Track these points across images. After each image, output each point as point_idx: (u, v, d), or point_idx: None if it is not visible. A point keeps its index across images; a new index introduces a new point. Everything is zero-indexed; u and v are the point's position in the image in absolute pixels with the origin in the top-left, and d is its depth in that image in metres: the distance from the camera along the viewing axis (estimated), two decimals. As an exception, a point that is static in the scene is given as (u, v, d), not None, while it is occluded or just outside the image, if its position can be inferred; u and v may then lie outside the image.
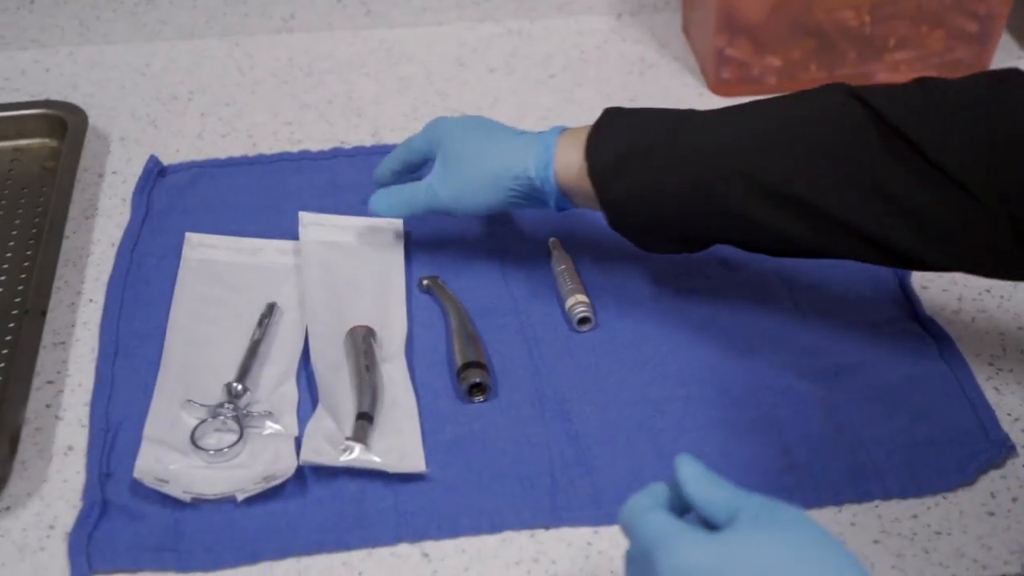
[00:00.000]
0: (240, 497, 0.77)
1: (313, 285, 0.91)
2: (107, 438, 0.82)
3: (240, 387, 0.83)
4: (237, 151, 1.07)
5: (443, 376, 0.86)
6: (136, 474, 0.77)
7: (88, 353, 0.88)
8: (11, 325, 0.90)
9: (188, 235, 0.97)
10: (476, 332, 0.88)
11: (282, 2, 1.19)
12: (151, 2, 1.18)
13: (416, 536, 0.76)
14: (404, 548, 0.75)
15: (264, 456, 0.80)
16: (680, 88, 1.16)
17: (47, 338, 0.88)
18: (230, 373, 0.84)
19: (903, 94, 0.76)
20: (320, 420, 0.81)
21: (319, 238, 0.95)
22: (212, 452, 0.80)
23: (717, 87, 1.14)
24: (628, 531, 0.60)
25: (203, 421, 0.82)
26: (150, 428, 0.81)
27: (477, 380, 0.84)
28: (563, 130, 0.86)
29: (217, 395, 0.83)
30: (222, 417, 0.82)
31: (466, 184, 0.88)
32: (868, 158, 0.75)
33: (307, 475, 0.79)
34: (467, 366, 0.85)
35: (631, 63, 1.19)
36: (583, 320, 0.90)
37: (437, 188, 0.89)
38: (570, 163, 0.84)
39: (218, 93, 1.14)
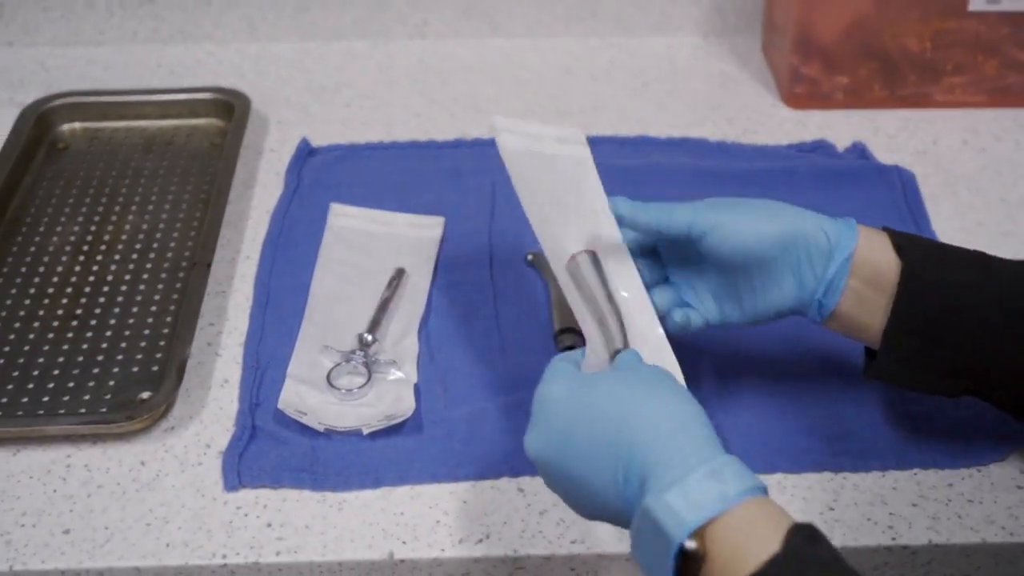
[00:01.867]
0: (366, 431, 0.77)
1: (529, 202, 0.72)
2: (257, 374, 0.82)
3: (370, 337, 0.83)
4: (375, 137, 1.07)
5: (543, 339, 0.85)
6: (280, 405, 0.78)
7: (244, 302, 0.89)
8: (181, 275, 0.91)
9: (333, 205, 0.96)
10: (572, 302, 0.87)
11: (418, 11, 1.19)
12: (307, 7, 1.18)
13: (514, 473, 0.75)
14: (504, 482, 0.75)
15: (388, 398, 0.80)
16: (757, 100, 1.13)
17: (210, 287, 0.89)
18: (362, 325, 0.84)
19: None
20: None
21: (519, 147, 0.73)
22: (344, 391, 0.80)
23: (790, 100, 1.11)
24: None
25: (337, 364, 0.82)
26: (293, 368, 0.82)
27: (572, 343, 0.83)
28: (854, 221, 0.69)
29: (351, 343, 0.83)
30: (354, 362, 0.82)
31: (746, 221, 0.68)
32: None
33: (423, 416, 0.79)
34: (563, 331, 0.84)
35: (714, 77, 1.17)
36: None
37: (700, 211, 0.68)
38: (871, 256, 0.66)
39: (361, 87, 1.14)
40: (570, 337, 0.84)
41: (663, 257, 0.73)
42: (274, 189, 1.00)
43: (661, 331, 0.70)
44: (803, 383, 0.82)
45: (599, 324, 0.68)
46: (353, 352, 0.82)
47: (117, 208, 0.99)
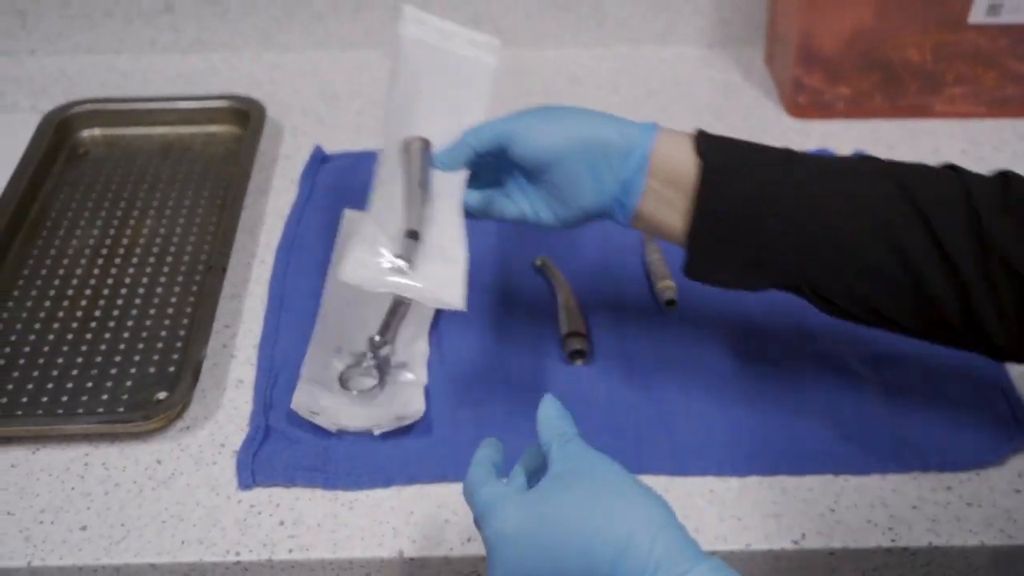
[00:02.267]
0: (376, 432, 0.77)
1: (399, 87, 0.75)
2: (271, 375, 0.82)
3: (381, 340, 0.82)
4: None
5: (550, 342, 0.85)
6: (293, 406, 0.78)
7: (258, 305, 0.89)
8: (197, 278, 0.91)
9: (347, 211, 0.96)
10: (579, 305, 0.87)
11: (429, 22, 1.19)
12: (320, 18, 1.18)
13: (521, 474, 0.75)
14: (511, 483, 0.75)
15: (398, 399, 0.80)
16: (760, 110, 1.13)
17: (226, 290, 0.89)
18: (374, 328, 0.83)
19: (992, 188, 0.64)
20: (367, 234, 0.68)
21: (419, 37, 0.77)
22: (356, 393, 0.80)
23: (793, 110, 1.11)
24: (468, 504, 0.59)
25: (349, 366, 0.82)
26: (306, 369, 0.81)
27: (578, 347, 0.83)
28: (657, 126, 0.70)
29: (362, 346, 0.83)
30: (365, 364, 0.82)
31: (540, 128, 0.69)
32: (989, 236, 0.62)
33: (432, 417, 0.79)
34: (570, 335, 0.84)
35: (718, 87, 1.16)
36: (670, 301, 0.88)
37: (509, 123, 0.69)
38: (670, 159, 0.67)
39: (372, 96, 1.14)
40: (577, 341, 0.83)
41: (500, 169, 0.73)
42: (288, 195, 1.00)
43: (462, 229, 0.70)
44: (804, 387, 0.81)
45: (404, 203, 0.69)
46: (365, 355, 0.82)
47: (135, 212, 0.99)
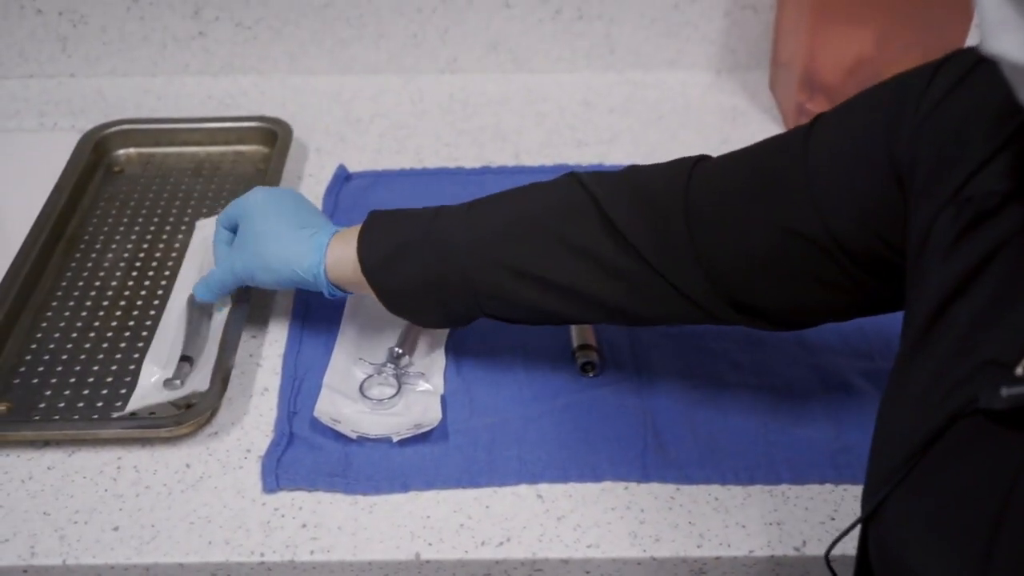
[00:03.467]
0: (395, 439, 0.77)
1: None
2: (295, 384, 0.82)
3: (400, 351, 0.83)
4: (407, 164, 1.08)
5: (562, 354, 0.85)
6: (315, 413, 0.78)
7: (283, 316, 0.89)
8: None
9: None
10: (590, 320, 0.87)
11: (448, 48, 1.19)
12: (345, 45, 1.19)
13: (533, 479, 0.75)
14: (523, 488, 0.75)
15: (416, 408, 0.80)
16: (765, 134, 1.11)
17: (253, 301, 0.89)
18: (393, 339, 0.84)
19: (615, 183, 0.72)
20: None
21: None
22: (375, 401, 0.80)
23: (796, 134, 1.11)
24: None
25: (369, 376, 0.82)
26: (328, 378, 0.82)
27: (589, 359, 0.83)
28: (335, 232, 0.79)
29: (382, 356, 0.83)
30: (385, 374, 0.82)
31: (255, 267, 0.80)
32: (592, 239, 0.70)
33: (448, 426, 0.79)
34: (582, 347, 0.84)
35: (725, 111, 1.17)
36: (677, 317, 0.88)
37: (235, 265, 0.81)
38: (342, 260, 0.77)
39: (394, 118, 1.15)
40: (587, 353, 0.83)
41: None
42: (313, 211, 1.01)
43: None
44: (806, 399, 0.81)
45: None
46: (384, 365, 0.82)
47: (168, 227, 1.00)
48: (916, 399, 0.52)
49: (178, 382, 0.81)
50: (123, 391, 0.82)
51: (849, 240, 0.61)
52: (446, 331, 0.87)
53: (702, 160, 0.71)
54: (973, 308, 0.50)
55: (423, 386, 0.82)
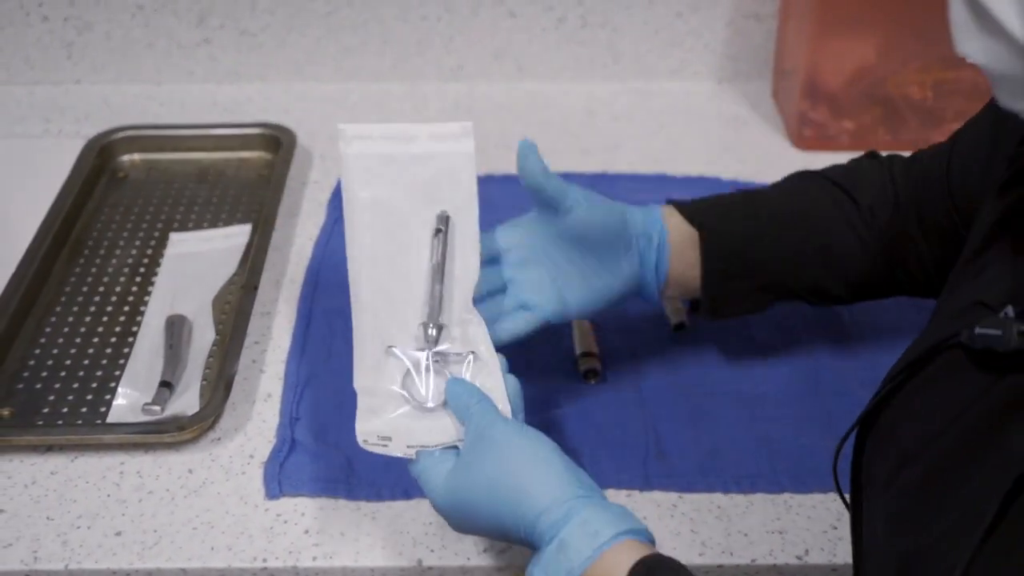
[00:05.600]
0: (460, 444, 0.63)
1: (358, 210, 0.68)
2: (297, 390, 0.82)
3: (435, 332, 0.66)
4: (410, 172, 1.08)
5: (564, 361, 0.85)
6: (360, 441, 0.65)
7: (286, 323, 0.89)
8: (229, 296, 0.92)
9: (341, 127, 0.69)
10: (592, 327, 0.87)
11: (452, 56, 1.20)
12: (349, 52, 1.19)
13: (536, 488, 0.75)
14: (526, 497, 0.75)
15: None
16: (767, 143, 1.13)
17: (256, 308, 0.90)
18: (419, 309, 0.67)
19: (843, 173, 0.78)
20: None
21: (366, 151, 0.69)
22: (421, 403, 0.65)
23: (798, 142, 1.11)
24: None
25: (408, 373, 0.66)
26: (359, 379, 0.66)
27: (591, 366, 0.83)
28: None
29: (414, 339, 0.67)
30: (425, 364, 0.66)
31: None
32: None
33: (452, 432, 0.79)
34: (584, 355, 0.84)
35: (728, 120, 1.17)
36: (679, 325, 0.88)
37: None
38: (679, 229, 0.75)
39: (398, 125, 1.15)
40: (590, 360, 0.83)
41: (507, 249, 0.74)
42: (317, 217, 1.01)
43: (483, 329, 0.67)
44: (809, 408, 0.81)
45: (427, 294, 0.67)
46: (421, 350, 0.67)
47: (172, 230, 1.00)
48: (935, 323, 0.57)
49: (157, 408, 0.79)
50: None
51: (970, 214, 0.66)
52: (473, 277, 0.69)
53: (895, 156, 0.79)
54: (992, 256, 0.53)
55: (475, 363, 0.66)
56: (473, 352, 0.67)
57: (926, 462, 0.50)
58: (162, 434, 0.77)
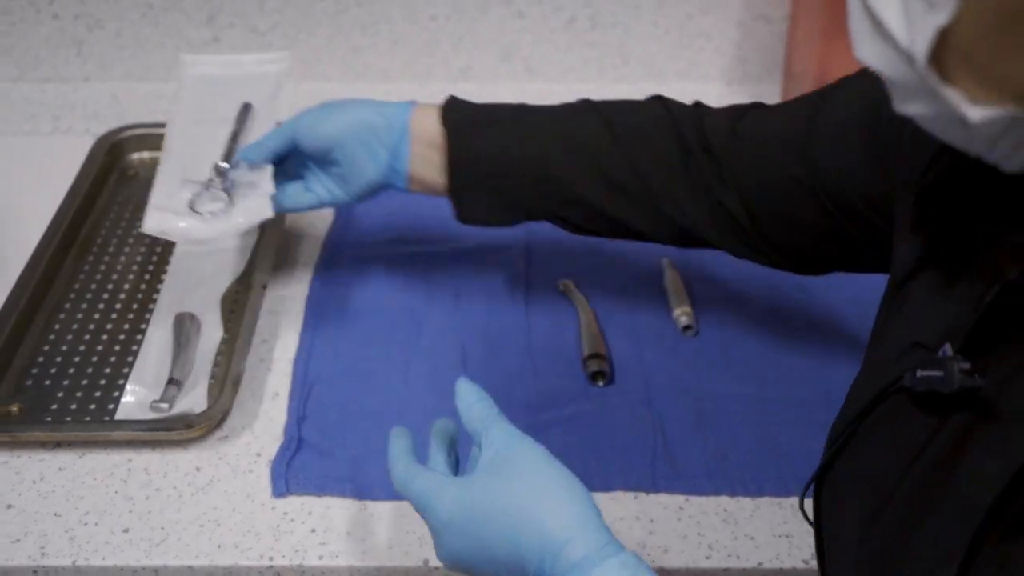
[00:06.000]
0: (233, 232, 0.82)
1: (184, 115, 0.92)
2: (304, 389, 0.83)
3: (226, 165, 0.84)
4: (419, 171, 1.08)
5: (572, 363, 0.85)
6: (143, 229, 0.81)
7: (294, 321, 0.90)
8: (238, 295, 0.92)
9: (184, 57, 0.97)
10: (600, 329, 0.87)
11: (461, 56, 1.20)
12: (358, 51, 1.19)
13: (543, 489, 0.75)
14: (532, 498, 0.75)
15: (251, 210, 0.82)
16: (777, 145, 1.13)
17: (265, 307, 0.90)
18: (218, 155, 0.85)
19: (688, 112, 0.75)
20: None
21: (201, 73, 0.96)
22: (208, 215, 0.82)
23: (808, 146, 1.11)
24: (404, 497, 0.60)
25: (198, 193, 0.83)
26: (155, 199, 0.83)
27: (599, 368, 0.83)
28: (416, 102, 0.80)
29: (208, 173, 0.84)
30: (213, 189, 0.83)
31: (322, 119, 0.80)
32: (667, 155, 0.73)
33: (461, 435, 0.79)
34: (592, 356, 0.84)
35: (737, 122, 1.17)
36: (686, 327, 0.88)
37: (299, 119, 0.82)
38: (425, 127, 0.77)
39: (407, 125, 1.15)
40: (597, 362, 0.84)
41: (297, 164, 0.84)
42: (326, 217, 1.01)
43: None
44: (815, 411, 0.81)
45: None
46: (211, 180, 0.84)
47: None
48: (872, 368, 0.56)
49: (165, 405, 0.80)
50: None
51: (844, 203, 0.65)
52: (272, 148, 0.84)
53: (756, 107, 0.74)
54: (919, 291, 0.52)
55: (252, 192, 0.83)
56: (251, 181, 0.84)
57: (885, 522, 0.49)
58: (170, 431, 0.77)
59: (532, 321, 0.89)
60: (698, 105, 0.76)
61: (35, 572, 0.71)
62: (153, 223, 0.81)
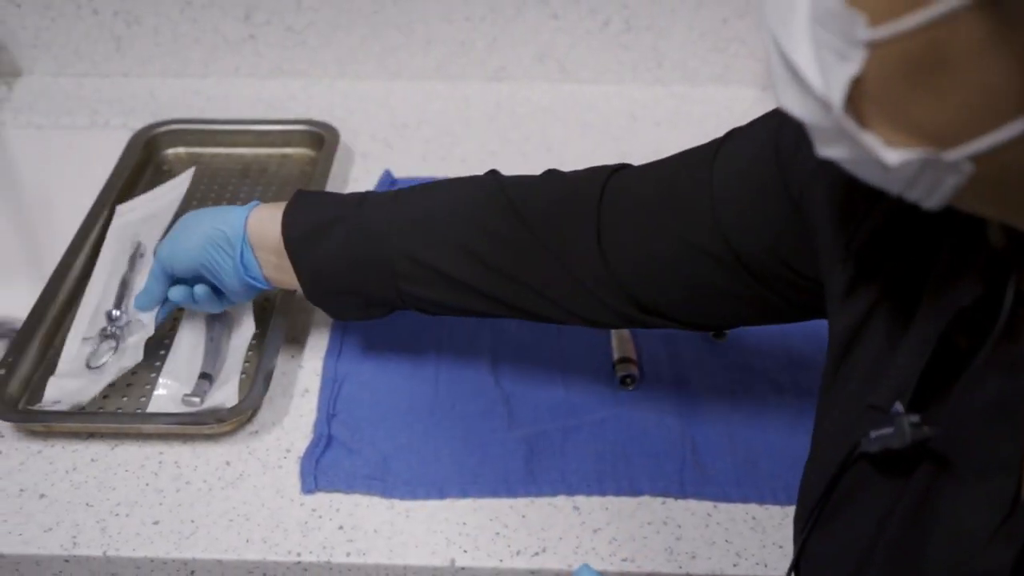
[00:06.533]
0: (99, 388, 0.81)
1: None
2: (334, 387, 0.83)
3: (116, 312, 0.87)
4: (451, 171, 1.08)
5: (602, 367, 0.85)
6: (40, 404, 0.80)
7: (325, 319, 0.90)
8: (271, 292, 0.92)
9: (117, 207, 0.99)
10: (631, 333, 0.87)
11: (495, 57, 1.20)
12: (393, 51, 1.20)
13: (571, 491, 0.75)
14: (560, 500, 0.75)
15: (126, 356, 0.83)
16: (811, 151, 1.12)
17: (296, 305, 0.90)
18: (109, 303, 0.88)
19: (535, 187, 0.72)
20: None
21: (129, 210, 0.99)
22: (99, 368, 0.83)
23: (843, 152, 1.10)
24: None
25: (95, 349, 0.85)
26: (59, 368, 0.84)
27: (629, 372, 0.83)
28: (258, 205, 0.78)
29: (102, 323, 0.87)
30: (107, 338, 0.85)
31: (177, 245, 0.79)
32: (502, 230, 0.71)
33: (487, 435, 0.79)
34: (622, 360, 0.84)
35: (771, 127, 1.16)
36: (718, 333, 0.88)
37: (160, 252, 0.80)
38: (264, 221, 0.76)
39: (440, 125, 1.15)
40: (627, 366, 0.83)
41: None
42: (357, 216, 1.02)
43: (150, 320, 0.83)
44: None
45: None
46: (105, 329, 0.86)
47: (214, 227, 1.01)
48: (825, 442, 0.54)
49: (196, 399, 0.81)
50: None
51: (754, 263, 0.62)
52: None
53: (622, 168, 0.71)
54: (865, 356, 0.52)
55: (133, 338, 0.84)
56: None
57: None
58: (201, 425, 0.78)
59: (562, 327, 0.89)
60: (550, 172, 0.74)
61: (67, 561, 0.72)
62: (50, 393, 0.81)
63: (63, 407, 0.80)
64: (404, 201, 0.75)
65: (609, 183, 0.69)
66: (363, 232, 0.74)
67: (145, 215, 0.98)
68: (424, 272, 0.73)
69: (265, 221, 0.76)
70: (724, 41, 1.18)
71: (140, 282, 0.88)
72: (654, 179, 0.68)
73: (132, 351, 0.83)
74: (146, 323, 0.83)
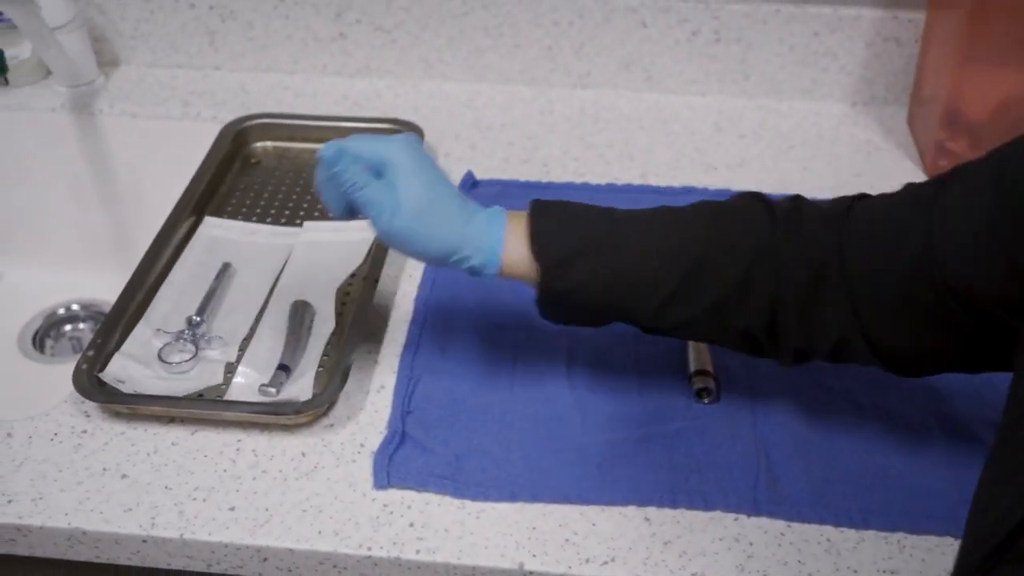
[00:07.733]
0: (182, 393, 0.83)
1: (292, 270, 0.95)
2: (410, 384, 0.84)
3: (198, 319, 0.89)
4: (533, 176, 1.08)
5: (678, 378, 0.84)
6: (102, 375, 0.82)
7: (403, 316, 0.91)
8: (351, 287, 0.94)
9: (206, 218, 1.00)
10: (708, 345, 0.86)
11: (581, 63, 1.20)
12: (480, 53, 1.20)
13: (642, 502, 0.75)
14: (631, 510, 0.75)
15: (205, 374, 0.85)
16: (899, 171, 1.10)
17: (375, 300, 0.91)
18: (193, 310, 0.90)
19: (788, 212, 0.71)
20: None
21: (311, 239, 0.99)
22: (171, 365, 0.85)
23: (933, 173, 1.08)
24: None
25: (168, 343, 0.87)
26: (126, 346, 0.86)
27: (705, 384, 0.83)
28: (497, 214, 0.76)
29: (182, 325, 0.89)
30: (183, 340, 0.87)
31: (417, 236, 0.74)
32: (757, 267, 0.70)
33: (560, 440, 0.79)
34: (698, 372, 0.83)
35: (859, 145, 1.14)
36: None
37: (394, 225, 0.73)
38: (517, 260, 0.74)
39: (523, 128, 1.16)
40: (703, 379, 0.83)
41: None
42: (438, 216, 1.02)
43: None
44: (927, 446, 0.79)
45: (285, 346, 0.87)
46: (183, 332, 0.88)
47: (298, 220, 1.02)
48: (1012, 482, 0.52)
49: (273, 390, 0.82)
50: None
51: (971, 302, 0.62)
52: (256, 307, 0.91)
53: (862, 197, 0.71)
54: None
55: (216, 352, 0.87)
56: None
57: None
58: (279, 416, 0.80)
59: (640, 337, 0.88)
60: (797, 198, 0.73)
61: (144, 541, 0.74)
62: (114, 368, 0.83)
63: (127, 389, 0.82)
64: (662, 222, 0.74)
65: (852, 211, 0.70)
66: (623, 250, 0.73)
67: (241, 240, 0.99)
68: (681, 300, 0.72)
69: (518, 247, 0.74)
70: (814, 55, 1.17)
71: (228, 299, 0.92)
72: (889, 209, 0.69)
73: (211, 370, 0.85)
74: (228, 343, 0.87)
